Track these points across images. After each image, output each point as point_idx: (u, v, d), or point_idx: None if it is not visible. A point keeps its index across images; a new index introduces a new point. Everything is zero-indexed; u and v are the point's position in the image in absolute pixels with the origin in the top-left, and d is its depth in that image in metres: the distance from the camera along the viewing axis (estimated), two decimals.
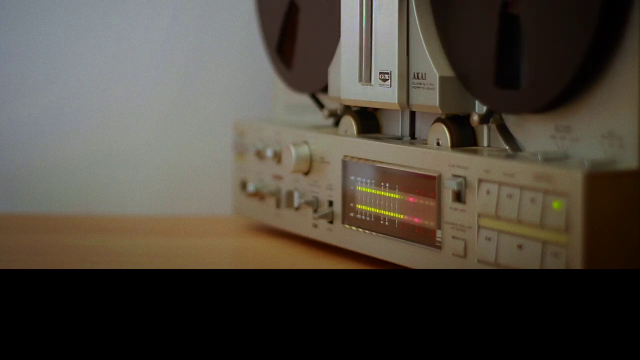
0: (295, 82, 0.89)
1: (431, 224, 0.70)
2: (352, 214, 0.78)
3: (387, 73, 0.74)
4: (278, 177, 0.87)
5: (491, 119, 0.69)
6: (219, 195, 1.03)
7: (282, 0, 0.90)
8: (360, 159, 0.77)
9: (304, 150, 0.82)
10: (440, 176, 0.69)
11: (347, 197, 0.78)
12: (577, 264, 0.59)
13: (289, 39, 0.90)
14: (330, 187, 0.80)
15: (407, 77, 0.73)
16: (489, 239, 0.65)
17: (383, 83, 0.75)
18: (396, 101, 0.74)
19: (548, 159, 0.63)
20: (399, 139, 0.77)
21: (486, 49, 0.68)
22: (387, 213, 0.74)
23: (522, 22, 0.66)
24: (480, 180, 0.66)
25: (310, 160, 0.82)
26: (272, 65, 0.92)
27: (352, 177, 0.78)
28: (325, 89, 0.83)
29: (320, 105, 0.88)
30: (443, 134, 0.72)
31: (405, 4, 0.73)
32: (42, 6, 1.03)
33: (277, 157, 0.87)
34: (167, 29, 1.04)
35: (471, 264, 0.67)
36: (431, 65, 0.71)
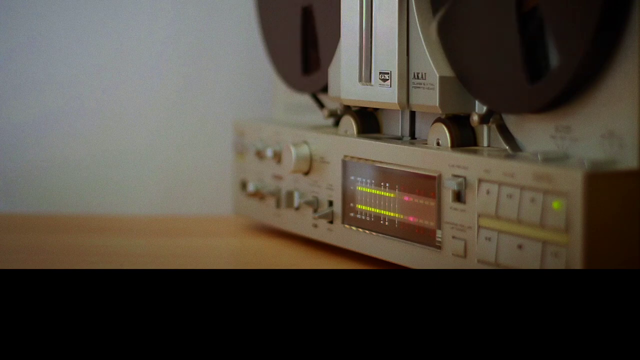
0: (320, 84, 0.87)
1: (431, 224, 0.70)
2: (352, 214, 0.78)
3: (387, 73, 0.74)
4: (278, 177, 0.87)
5: (491, 119, 0.69)
6: (219, 195, 1.03)
7: (293, 15, 0.88)
8: (360, 159, 0.77)
9: (304, 150, 0.82)
10: (440, 176, 0.69)
11: (347, 197, 0.78)
12: (577, 264, 0.59)
13: (312, 54, 0.88)
14: (330, 187, 0.80)
15: (407, 77, 0.73)
16: (489, 239, 0.65)
17: (383, 83, 0.75)
18: (396, 101, 0.74)
19: (548, 159, 0.63)
20: (399, 139, 0.77)
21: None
22: (387, 213, 0.74)
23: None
24: (480, 180, 0.66)
25: (310, 160, 0.82)
26: (296, 91, 0.91)
27: (352, 177, 0.78)
28: (325, 89, 0.83)
29: (321, 105, 0.88)
30: (443, 134, 0.72)
31: (405, 4, 0.73)
32: (42, 6, 1.03)
33: (277, 157, 0.87)
34: (167, 29, 1.04)
35: (471, 264, 0.67)
36: (431, 65, 0.71)
